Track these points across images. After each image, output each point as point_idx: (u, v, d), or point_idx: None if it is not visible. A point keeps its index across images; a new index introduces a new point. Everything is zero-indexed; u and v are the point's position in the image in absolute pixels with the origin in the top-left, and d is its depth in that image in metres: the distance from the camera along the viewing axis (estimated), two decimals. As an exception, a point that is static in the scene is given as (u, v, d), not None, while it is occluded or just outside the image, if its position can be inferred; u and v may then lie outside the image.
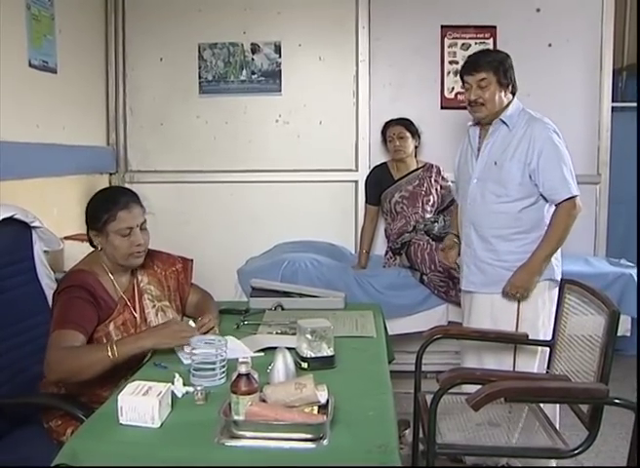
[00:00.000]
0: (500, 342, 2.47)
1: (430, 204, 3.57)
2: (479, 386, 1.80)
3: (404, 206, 3.56)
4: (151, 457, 1.35)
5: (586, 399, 1.91)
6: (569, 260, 3.38)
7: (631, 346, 3.51)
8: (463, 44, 3.86)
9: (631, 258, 3.49)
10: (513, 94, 2.57)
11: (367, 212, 3.73)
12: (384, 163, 3.74)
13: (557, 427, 2.22)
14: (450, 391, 1.95)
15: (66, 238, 2.96)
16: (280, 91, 3.94)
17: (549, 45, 3.84)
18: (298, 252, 3.57)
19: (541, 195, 2.50)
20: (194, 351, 1.72)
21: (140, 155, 4.02)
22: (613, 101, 3.92)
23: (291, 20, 3.91)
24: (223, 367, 1.72)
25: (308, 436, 1.37)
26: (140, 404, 1.45)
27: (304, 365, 1.82)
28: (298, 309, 2.49)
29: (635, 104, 3.89)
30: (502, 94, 2.52)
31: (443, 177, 3.64)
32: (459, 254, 2.78)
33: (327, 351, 1.85)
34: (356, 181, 3.94)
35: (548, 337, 2.40)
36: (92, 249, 2.13)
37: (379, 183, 3.67)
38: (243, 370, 1.46)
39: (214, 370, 1.70)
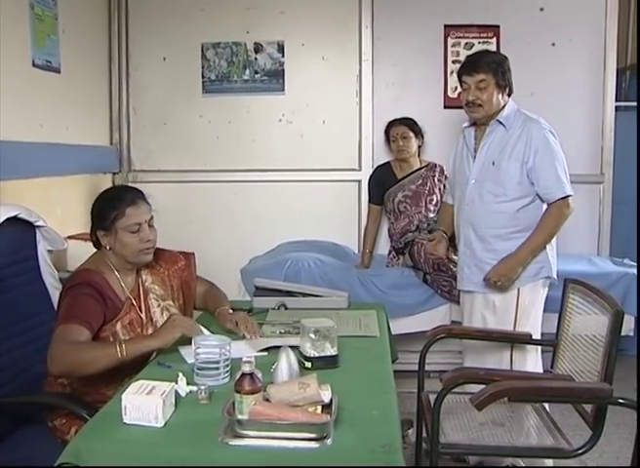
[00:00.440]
0: (503, 342, 2.48)
1: (433, 203, 3.57)
2: (482, 386, 1.80)
3: (407, 205, 3.56)
4: (155, 456, 1.35)
5: (590, 399, 1.91)
6: (572, 260, 3.40)
7: (635, 346, 3.50)
8: (467, 43, 3.85)
9: (635, 258, 3.48)
10: (509, 95, 2.59)
11: (370, 211, 3.73)
12: (388, 162, 3.73)
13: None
14: (453, 391, 1.95)
15: (70, 237, 2.97)
16: (283, 90, 3.94)
17: (553, 44, 3.84)
18: (301, 251, 3.58)
19: (538, 195, 2.53)
20: (198, 350, 1.72)
21: (143, 155, 4.03)
22: (616, 101, 3.92)
23: (294, 20, 3.91)
24: (227, 366, 1.72)
25: (312, 435, 1.37)
26: (143, 403, 1.45)
27: (308, 364, 1.82)
28: (301, 309, 2.49)
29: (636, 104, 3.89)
30: (500, 95, 2.54)
31: (446, 177, 3.63)
32: (447, 249, 2.83)
33: (330, 351, 1.85)
34: (359, 181, 3.94)
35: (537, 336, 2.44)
36: (95, 249, 2.13)
37: (382, 183, 3.66)
38: (247, 369, 1.45)
39: (217, 369, 1.70)
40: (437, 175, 3.62)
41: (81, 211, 3.26)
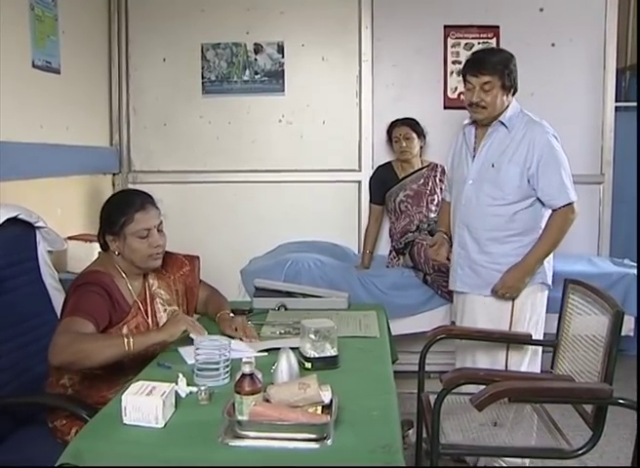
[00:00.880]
0: (503, 342, 2.47)
1: (435, 203, 3.56)
2: (482, 386, 1.80)
3: (408, 205, 3.56)
4: (155, 457, 1.35)
5: (590, 399, 1.91)
6: (572, 260, 3.40)
7: (635, 346, 3.50)
8: (466, 44, 3.85)
9: (635, 258, 3.48)
10: (513, 94, 2.53)
11: (371, 211, 3.73)
12: (389, 162, 3.73)
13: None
14: (453, 391, 1.95)
15: (70, 238, 2.96)
16: (283, 91, 3.94)
17: (553, 45, 3.84)
18: (301, 252, 3.57)
19: (538, 199, 2.48)
20: (198, 351, 1.72)
21: (143, 155, 4.03)
22: (616, 101, 3.92)
23: (294, 21, 3.91)
24: (227, 366, 1.72)
25: (312, 436, 1.37)
26: (143, 404, 1.45)
27: (308, 365, 1.82)
28: (301, 309, 2.50)
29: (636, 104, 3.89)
30: (504, 97, 2.48)
31: (445, 183, 3.63)
32: (449, 252, 2.75)
33: (330, 351, 1.85)
34: (359, 181, 3.94)
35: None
36: (96, 250, 2.13)
37: (383, 182, 3.66)
38: (247, 369, 1.46)
39: (217, 369, 1.70)
40: (439, 175, 3.62)
41: (81, 211, 3.27)
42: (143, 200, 2.07)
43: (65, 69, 3.21)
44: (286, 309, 2.55)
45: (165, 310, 2.14)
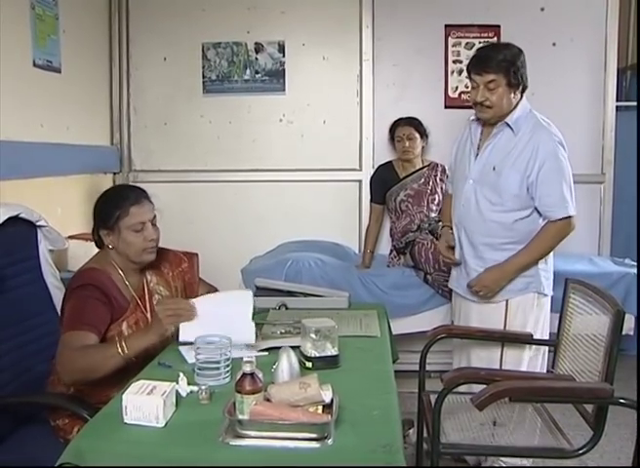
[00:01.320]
0: (503, 342, 2.47)
1: (435, 203, 3.57)
2: (483, 386, 1.80)
3: (409, 204, 3.56)
4: (156, 457, 1.35)
5: (591, 399, 1.91)
6: (573, 260, 3.40)
7: (635, 346, 3.50)
8: (467, 43, 3.85)
9: (635, 258, 3.48)
10: (523, 92, 2.42)
11: (372, 211, 3.73)
12: (390, 161, 3.73)
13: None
14: (454, 391, 1.95)
15: (70, 237, 2.97)
16: (284, 90, 3.94)
17: (554, 44, 3.84)
18: (301, 251, 3.58)
19: (536, 209, 2.40)
20: (198, 350, 1.72)
21: (143, 155, 4.03)
22: (617, 101, 3.92)
23: (295, 20, 3.92)
24: (228, 366, 1.72)
25: (313, 435, 1.37)
26: (144, 403, 1.45)
27: (309, 364, 1.82)
28: (302, 309, 2.49)
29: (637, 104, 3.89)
30: (512, 95, 2.37)
31: (448, 176, 3.63)
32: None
33: (331, 351, 1.84)
34: (360, 181, 3.94)
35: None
36: (97, 249, 2.13)
37: (384, 182, 3.66)
38: (247, 369, 1.45)
39: (218, 369, 1.70)
40: (439, 174, 3.62)
41: (82, 210, 3.27)
42: (138, 194, 2.08)
43: (66, 68, 3.21)
44: (287, 308, 2.55)
45: None
